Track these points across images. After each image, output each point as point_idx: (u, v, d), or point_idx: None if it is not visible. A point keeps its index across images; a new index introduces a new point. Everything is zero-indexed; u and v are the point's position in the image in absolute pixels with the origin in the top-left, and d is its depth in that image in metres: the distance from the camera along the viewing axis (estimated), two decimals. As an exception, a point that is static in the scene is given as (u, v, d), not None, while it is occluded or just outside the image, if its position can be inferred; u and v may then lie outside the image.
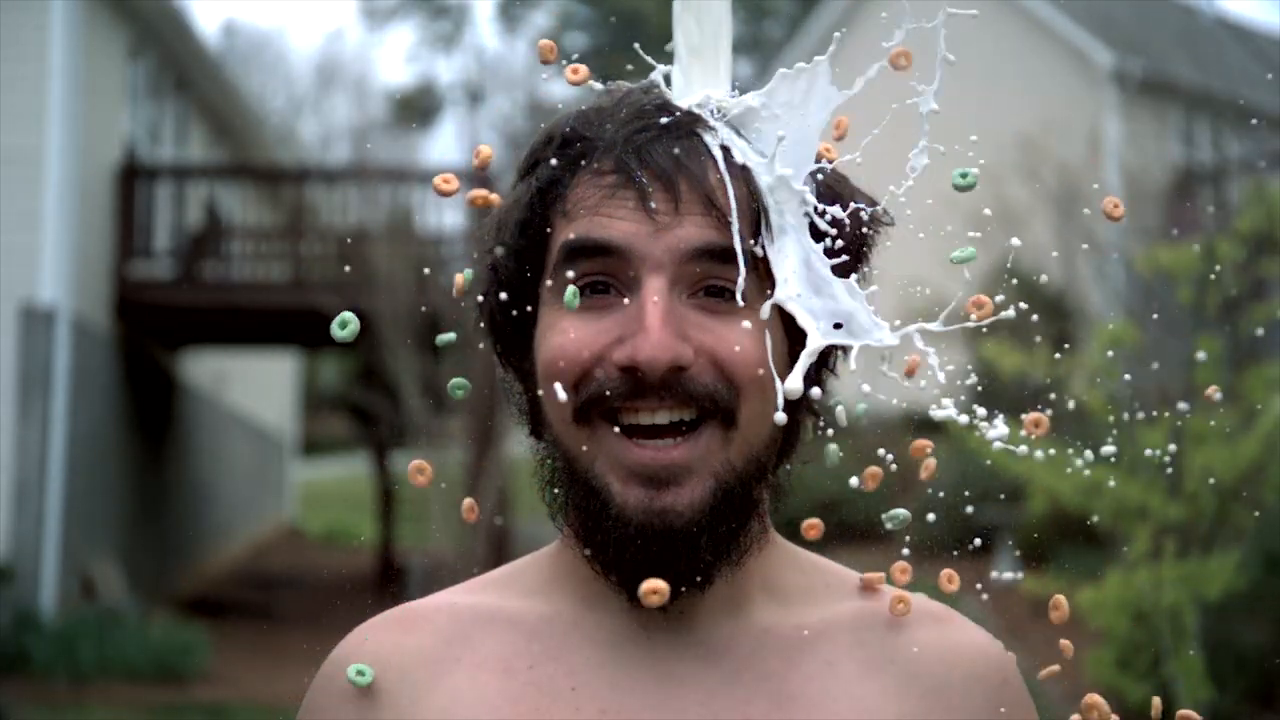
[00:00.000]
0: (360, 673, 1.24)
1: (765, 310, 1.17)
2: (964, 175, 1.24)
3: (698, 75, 1.25)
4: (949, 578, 1.29)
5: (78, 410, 13.05)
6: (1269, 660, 8.95)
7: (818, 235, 1.20)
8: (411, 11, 40.49)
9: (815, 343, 1.17)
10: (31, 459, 12.58)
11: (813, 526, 1.31)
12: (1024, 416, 1.21)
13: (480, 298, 1.27)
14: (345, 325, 1.26)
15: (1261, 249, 8.86)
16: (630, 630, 1.22)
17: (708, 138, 1.20)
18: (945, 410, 1.19)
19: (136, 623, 12.00)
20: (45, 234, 12.89)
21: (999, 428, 1.20)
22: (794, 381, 1.16)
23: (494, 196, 1.28)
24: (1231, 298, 8.61)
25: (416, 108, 34.47)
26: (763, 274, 1.19)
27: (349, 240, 14.60)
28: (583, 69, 1.27)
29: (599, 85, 1.26)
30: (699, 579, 1.18)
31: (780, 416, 1.16)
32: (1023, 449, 1.20)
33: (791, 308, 1.18)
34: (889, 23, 1.23)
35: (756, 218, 1.19)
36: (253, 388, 20.24)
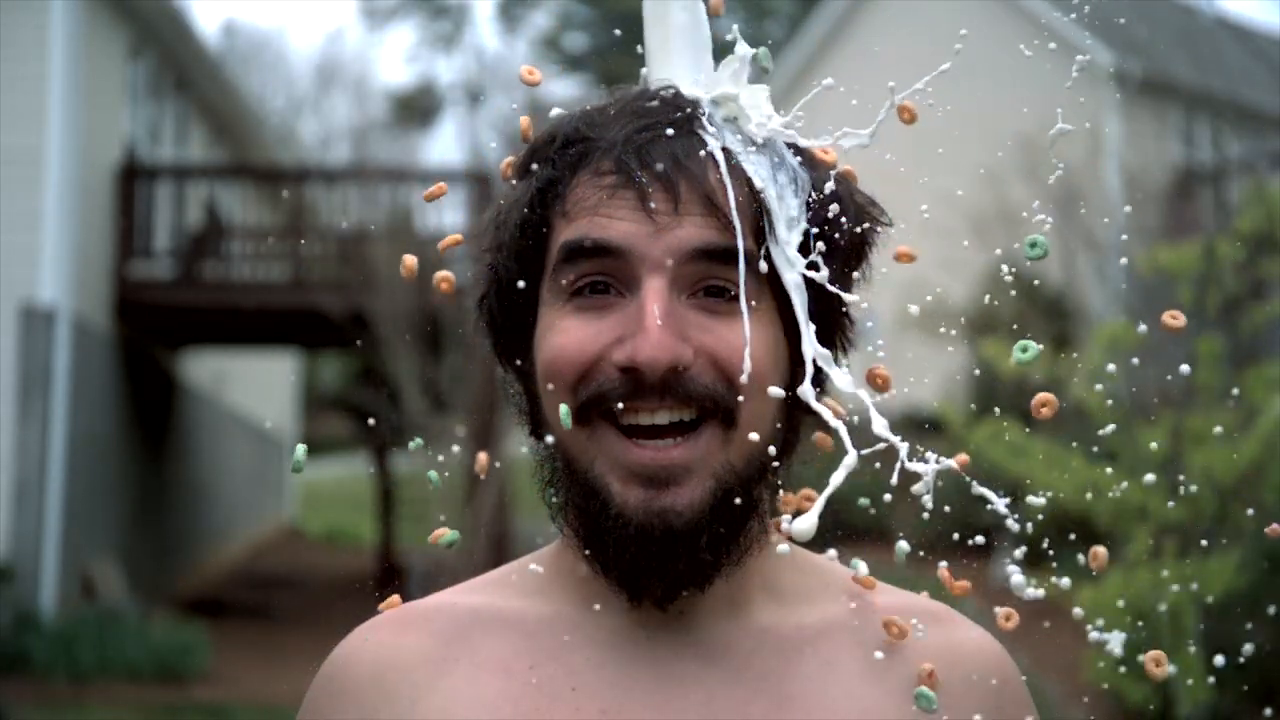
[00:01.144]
0: None
1: (777, 391, 1.17)
2: (1034, 245, 1.23)
3: (660, 61, 1.25)
4: (1006, 615, 1.27)
5: (78, 410, 13.04)
6: (1269, 660, 8.94)
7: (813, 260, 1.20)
8: (411, 11, 40.45)
9: (851, 461, 1.18)
10: (31, 459, 12.57)
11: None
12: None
13: (480, 298, 1.27)
14: (301, 459, 1.31)
15: (1261, 249, 8.86)
16: (630, 630, 1.22)
17: (708, 138, 1.20)
18: (1014, 578, 1.20)
19: (136, 623, 12.00)
20: (45, 234, 12.88)
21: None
22: (806, 523, 1.16)
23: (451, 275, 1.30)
24: (1231, 298, 8.61)
25: (416, 108, 34.43)
26: (761, 276, 1.19)
27: (349, 240, 14.60)
28: (538, 72, 1.28)
29: (559, 110, 1.26)
30: (699, 579, 1.18)
31: (784, 548, 1.19)
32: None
33: (819, 407, 1.19)
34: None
35: (757, 218, 1.19)
36: (253, 388, 20.22)
